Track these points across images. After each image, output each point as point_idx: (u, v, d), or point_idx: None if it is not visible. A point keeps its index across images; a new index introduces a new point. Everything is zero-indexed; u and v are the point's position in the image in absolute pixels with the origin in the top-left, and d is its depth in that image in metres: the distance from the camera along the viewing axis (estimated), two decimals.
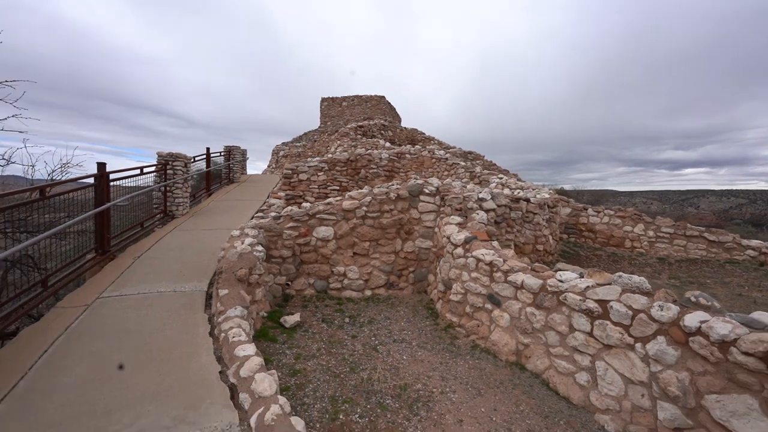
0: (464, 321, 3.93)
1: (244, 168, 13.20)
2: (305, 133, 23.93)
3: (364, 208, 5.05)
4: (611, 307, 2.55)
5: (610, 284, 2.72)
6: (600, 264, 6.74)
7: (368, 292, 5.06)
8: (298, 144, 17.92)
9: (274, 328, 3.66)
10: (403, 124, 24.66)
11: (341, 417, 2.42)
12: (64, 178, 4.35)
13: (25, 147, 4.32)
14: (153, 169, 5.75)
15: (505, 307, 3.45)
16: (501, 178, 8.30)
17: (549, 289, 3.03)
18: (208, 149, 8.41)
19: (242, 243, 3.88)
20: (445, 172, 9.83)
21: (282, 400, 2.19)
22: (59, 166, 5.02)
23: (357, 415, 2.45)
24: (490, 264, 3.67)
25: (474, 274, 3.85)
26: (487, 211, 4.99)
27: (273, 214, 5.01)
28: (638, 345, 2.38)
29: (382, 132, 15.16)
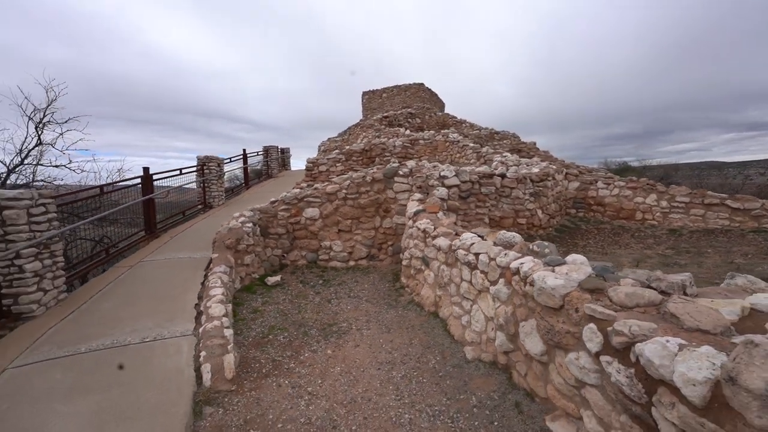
0: (410, 282, 4.56)
1: (286, 164, 14.92)
2: (349, 127, 25.28)
3: (344, 191, 5.88)
4: (480, 258, 3.02)
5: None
6: (599, 237, 6.58)
7: (352, 263, 5.91)
8: (337, 138, 19.25)
9: (258, 285, 4.75)
10: (448, 109, 24.47)
11: (270, 337, 3.35)
12: (119, 180, 5.99)
13: (94, 161, 6.11)
14: (193, 170, 7.31)
15: (431, 267, 4.01)
16: (504, 157, 8.35)
17: (452, 248, 3.54)
18: (244, 150, 10.01)
19: (235, 221, 5.04)
20: (458, 154, 10.07)
21: (224, 319, 3.21)
22: (116, 171, 6.87)
23: (282, 337, 3.36)
24: (424, 231, 4.23)
25: (415, 242, 4.45)
26: (449, 187, 5.43)
27: (272, 199, 6.13)
28: (492, 287, 2.84)
29: (410, 120, 15.59)
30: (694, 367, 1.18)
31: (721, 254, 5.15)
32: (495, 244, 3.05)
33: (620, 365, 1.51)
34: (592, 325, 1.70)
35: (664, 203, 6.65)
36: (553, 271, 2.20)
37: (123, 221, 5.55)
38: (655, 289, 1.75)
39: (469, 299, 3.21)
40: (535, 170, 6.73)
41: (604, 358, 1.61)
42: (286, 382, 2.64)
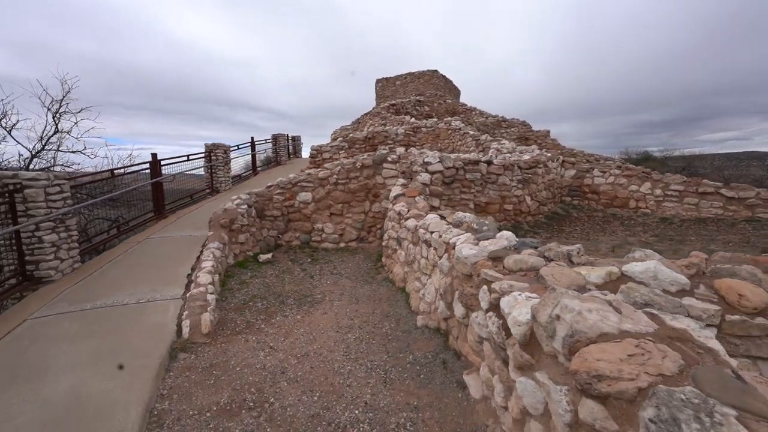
0: (388, 261, 4.87)
1: (297, 151, 15.38)
2: (362, 116, 25.41)
3: (335, 176, 6.21)
4: (433, 236, 3.29)
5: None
6: (588, 224, 6.62)
7: (342, 244, 6.27)
8: (349, 126, 19.51)
9: (250, 262, 5.20)
10: (465, 96, 24.19)
11: (250, 303, 3.78)
12: (129, 164, 6.58)
13: (107, 147, 6.71)
14: (200, 156, 7.83)
15: (402, 246, 4.31)
16: (501, 144, 8.40)
17: (416, 228, 3.81)
18: (252, 138, 10.50)
19: (231, 203, 5.49)
20: (459, 142, 10.15)
21: (209, 287, 3.65)
22: (127, 157, 7.50)
23: (260, 304, 3.78)
24: (399, 214, 4.51)
25: (392, 223, 4.74)
26: (432, 173, 5.64)
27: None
28: (439, 261, 3.11)
29: (417, 108, 15.62)
30: (523, 312, 1.45)
31: (703, 242, 5.15)
32: (448, 223, 3.31)
33: (495, 318, 1.78)
34: (485, 287, 1.97)
35: (658, 191, 6.59)
36: (477, 244, 2.45)
37: (135, 204, 6.13)
38: (545, 258, 1.98)
39: (426, 274, 3.49)
40: (526, 157, 6.80)
41: (488, 314, 1.88)
42: (254, 338, 3.05)
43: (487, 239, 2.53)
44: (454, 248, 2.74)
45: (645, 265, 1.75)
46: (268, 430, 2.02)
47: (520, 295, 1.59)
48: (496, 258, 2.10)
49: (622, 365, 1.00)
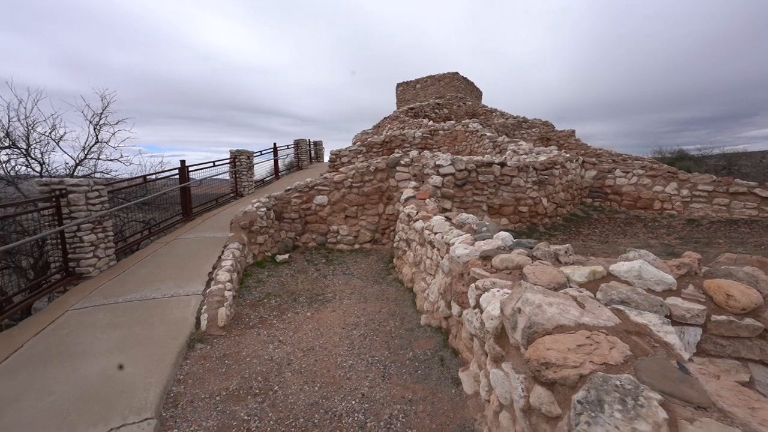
0: (398, 262, 4.97)
1: (318, 156, 15.82)
2: (382, 119, 25.64)
3: (350, 179, 6.40)
4: (436, 237, 3.36)
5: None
6: (608, 226, 6.41)
7: (357, 246, 6.44)
8: (369, 130, 19.80)
9: (268, 262, 5.48)
10: (487, 98, 23.99)
11: (264, 300, 4.00)
12: (159, 171, 7.05)
13: (141, 154, 7.24)
14: (225, 162, 8.29)
15: (411, 247, 4.40)
16: (519, 146, 8.28)
17: (423, 230, 3.90)
18: (275, 144, 10.94)
19: (251, 206, 5.80)
20: (476, 144, 10.10)
21: (228, 284, 3.91)
22: (159, 164, 8.07)
23: (274, 301, 4.00)
24: (408, 216, 4.61)
25: (402, 225, 4.85)
26: (444, 175, 5.69)
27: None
28: (441, 262, 3.18)
29: (436, 111, 15.63)
30: (496, 306, 1.52)
31: (732, 245, 4.87)
32: (452, 224, 3.38)
33: (479, 314, 1.85)
34: (473, 284, 2.04)
35: (685, 192, 6.27)
36: (473, 244, 2.52)
37: (166, 207, 6.61)
38: (532, 257, 2.03)
39: (430, 274, 3.57)
40: (542, 158, 6.68)
41: (475, 311, 1.95)
42: (265, 332, 3.25)
43: (484, 239, 2.59)
44: (450, 247, 2.82)
45: (630, 264, 1.76)
46: (270, 414, 2.18)
47: (498, 291, 1.65)
48: (486, 257, 2.17)
49: (569, 354, 1.07)
